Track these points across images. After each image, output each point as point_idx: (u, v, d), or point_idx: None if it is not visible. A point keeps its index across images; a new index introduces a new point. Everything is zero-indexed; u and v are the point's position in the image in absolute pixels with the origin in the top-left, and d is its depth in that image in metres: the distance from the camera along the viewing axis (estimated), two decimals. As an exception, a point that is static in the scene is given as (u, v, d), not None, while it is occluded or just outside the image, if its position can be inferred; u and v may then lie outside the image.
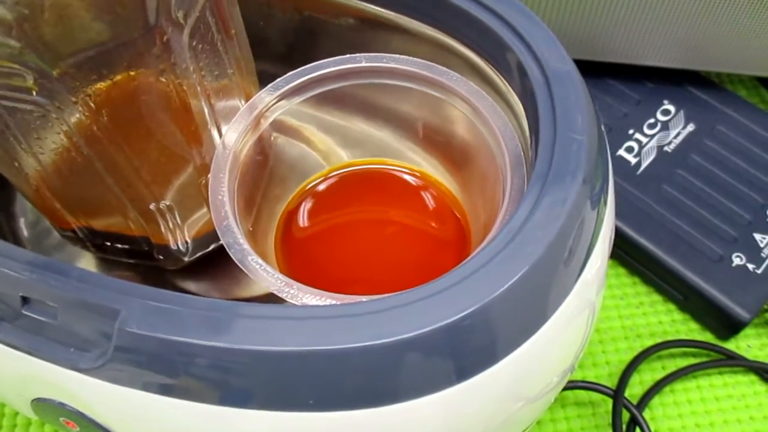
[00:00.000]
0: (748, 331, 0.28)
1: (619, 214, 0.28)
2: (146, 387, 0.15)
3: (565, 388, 0.25)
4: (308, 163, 0.25)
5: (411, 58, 0.21)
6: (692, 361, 0.27)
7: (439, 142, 0.24)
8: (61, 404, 0.18)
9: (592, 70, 0.32)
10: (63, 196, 0.21)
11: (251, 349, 0.14)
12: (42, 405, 0.18)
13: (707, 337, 0.28)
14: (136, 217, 0.21)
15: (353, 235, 0.23)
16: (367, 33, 0.24)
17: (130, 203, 0.20)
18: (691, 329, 0.28)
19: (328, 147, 0.25)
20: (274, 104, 0.21)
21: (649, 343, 0.27)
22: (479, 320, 0.15)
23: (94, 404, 0.17)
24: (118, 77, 0.17)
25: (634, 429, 0.25)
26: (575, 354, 0.18)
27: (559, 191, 0.16)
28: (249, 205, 0.22)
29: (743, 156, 0.30)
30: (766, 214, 0.29)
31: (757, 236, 0.28)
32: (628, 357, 0.27)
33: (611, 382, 0.27)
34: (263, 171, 0.23)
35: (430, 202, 0.24)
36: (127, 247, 0.23)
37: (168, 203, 0.21)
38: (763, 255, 0.27)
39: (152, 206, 0.21)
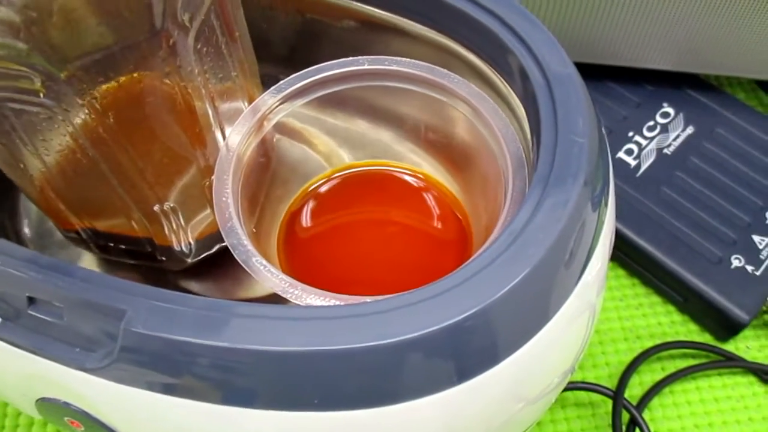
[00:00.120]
0: (746, 332, 0.28)
1: (618, 215, 0.28)
2: (152, 387, 0.15)
3: (565, 389, 0.25)
4: (310, 164, 0.25)
5: (413, 60, 0.21)
6: (691, 362, 0.27)
7: (440, 143, 0.24)
8: (66, 404, 0.18)
9: (592, 73, 0.32)
10: (67, 197, 0.21)
11: (257, 349, 0.14)
12: (47, 405, 0.19)
13: (706, 338, 0.28)
14: (140, 218, 0.21)
15: (355, 236, 0.23)
16: (369, 36, 0.24)
17: (134, 204, 0.21)
18: (690, 330, 0.28)
19: (330, 148, 0.25)
20: (277, 106, 0.21)
21: (649, 344, 0.27)
22: (481, 321, 0.15)
23: (99, 404, 0.17)
24: (124, 79, 0.17)
25: (634, 430, 0.25)
26: (576, 355, 0.19)
27: (561, 193, 0.16)
28: (252, 207, 0.22)
29: (742, 158, 0.30)
30: (764, 216, 0.29)
31: (756, 238, 0.28)
32: (628, 358, 0.27)
33: (611, 383, 0.27)
34: (266, 173, 0.23)
35: (431, 203, 0.24)
36: (130, 248, 0.23)
37: (172, 205, 0.21)
38: (761, 257, 0.28)
39: (156, 208, 0.21)
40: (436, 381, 0.15)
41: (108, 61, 0.16)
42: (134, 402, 0.16)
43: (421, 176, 0.25)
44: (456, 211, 0.24)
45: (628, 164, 0.30)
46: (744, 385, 0.27)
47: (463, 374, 0.15)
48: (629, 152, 0.30)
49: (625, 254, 0.29)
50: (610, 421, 0.25)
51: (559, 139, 0.18)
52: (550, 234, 0.16)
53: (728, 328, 0.27)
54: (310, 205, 0.24)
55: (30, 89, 0.16)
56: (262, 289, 0.24)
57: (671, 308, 0.29)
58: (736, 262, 0.28)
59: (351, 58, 0.22)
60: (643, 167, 0.30)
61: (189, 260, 0.23)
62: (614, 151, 0.30)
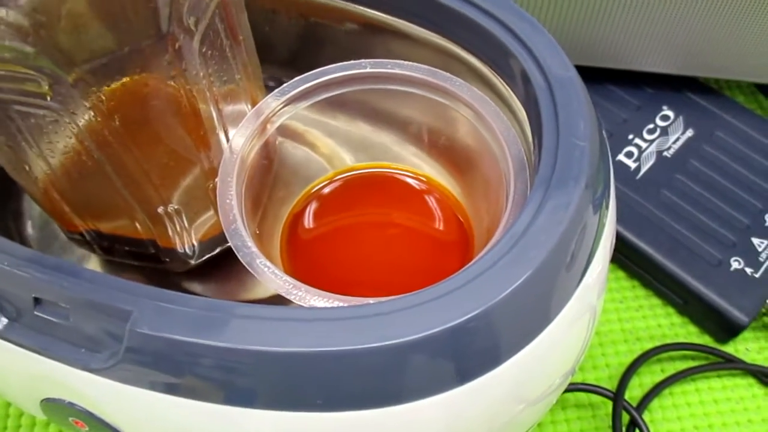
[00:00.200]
0: (746, 334, 0.28)
1: (618, 218, 0.28)
2: (157, 387, 0.15)
3: (566, 391, 0.25)
4: (313, 166, 0.25)
5: (415, 63, 0.21)
6: (691, 364, 0.27)
7: (442, 146, 0.24)
8: (71, 404, 0.18)
9: (592, 76, 0.32)
10: (72, 198, 0.21)
11: (261, 350, 0.14)
12: (51, 405, 0.19)
13: (706, 340, 0.28)
14: (144, 220, 0.21)
15: (357, 238, 0.24)
16: (372, 39, 0.24)
17: (138, 206, 0.21)
18: (690, 332, 0.29)
19: (333, 151, 0.25)
20: (280, 109, 0.22)
21: (649, 346, 0.28)
22: (483, 323, 0.15)
23: (103, 404, 0.17)
24: (131, 82, 0.17)
25: (634, 431, 0.25)
26: (576, 357, 0.19)
27: (562, 196, 0.17)
28: (255, 208, 0.22)
29: (741, 161, 0.30)
30: (764, 218, 0.29)
31: (756, 241, 0.28)
32: (628, 360, 0.27)
33: (611, 385, 0.27)
34: (269, 175, 0.23)
35: (433, 205, 0.24)
36: (133, 249, 0.23)
37: (175, 206, 0.21)
38: (761, 259, 0.28)
39: (160, 209, 0.21)
40: (438, 382, 0.15)
41: (115, 64, 0.16)
42: (138, 402, 0.16)
43: (423, 179, 0.25)
44: (458, 213, 0.24)
45: (628, 167, 0.30)
46: (743, 386, 0.27)
47: (465, 375, 0.15)
48: (629, 155, 0.31)
49: (625, 256, 0.29)
50: (610, 423, 0.25)
51: (560, 142, 0.18)
52: (552, 237, 0.16)
53: (728, 330, 0.27)
54: (313, 207, 0.24)
55: (37, 92, 0.16)
56: (265, 290, 0.24)
57: (671, 310, 0.29)
58: (735, 264, 0.28)
59: (353, 62, 0.22)
60: (643, 170, 0.30)
61: (192, 262, 0.23)
62: (614, 154, 0.31)
